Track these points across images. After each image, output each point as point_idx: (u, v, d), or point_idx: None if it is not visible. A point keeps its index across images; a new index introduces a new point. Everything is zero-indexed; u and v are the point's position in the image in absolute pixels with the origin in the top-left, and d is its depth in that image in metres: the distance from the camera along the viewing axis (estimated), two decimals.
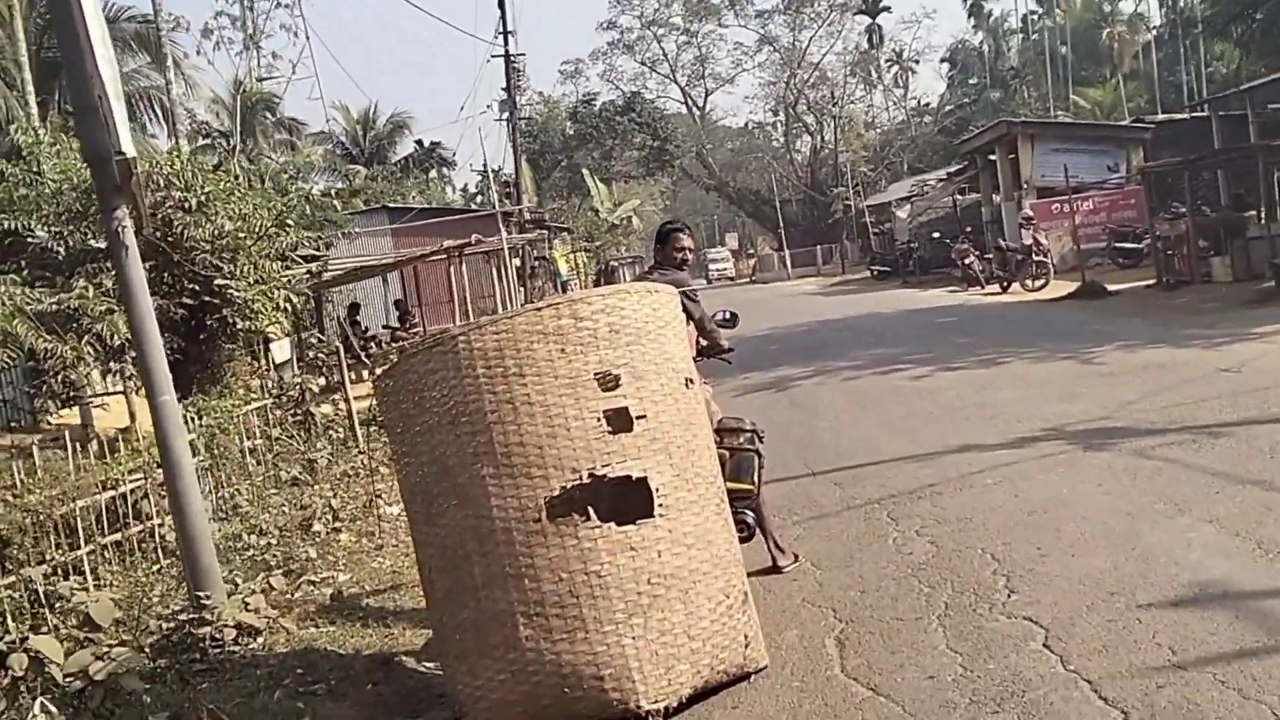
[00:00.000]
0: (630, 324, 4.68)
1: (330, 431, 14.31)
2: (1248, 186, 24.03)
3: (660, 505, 4.50)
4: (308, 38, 52.49)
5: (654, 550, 4.47)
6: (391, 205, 38.33)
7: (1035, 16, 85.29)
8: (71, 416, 14.98)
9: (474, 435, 4.49)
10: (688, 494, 4.64)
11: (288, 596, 6.95)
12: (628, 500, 4.70)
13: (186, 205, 11.10)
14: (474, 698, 4.46)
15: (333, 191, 37.35)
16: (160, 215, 11.13)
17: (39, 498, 7.88)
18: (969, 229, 33.93)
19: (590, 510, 4.41)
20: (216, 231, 11.12)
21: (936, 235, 37.72)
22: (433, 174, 54.95)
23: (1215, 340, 12.28)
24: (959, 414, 9.94)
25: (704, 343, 6.54)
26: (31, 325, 10.30)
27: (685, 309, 5.69)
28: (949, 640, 4.77)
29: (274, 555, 7.92)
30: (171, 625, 5.76)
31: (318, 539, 8.54)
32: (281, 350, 21.45)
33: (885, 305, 26.31)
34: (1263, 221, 20.70)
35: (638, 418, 4.54)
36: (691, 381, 4.89)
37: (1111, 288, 21.01)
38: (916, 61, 77.74)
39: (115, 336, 10.42)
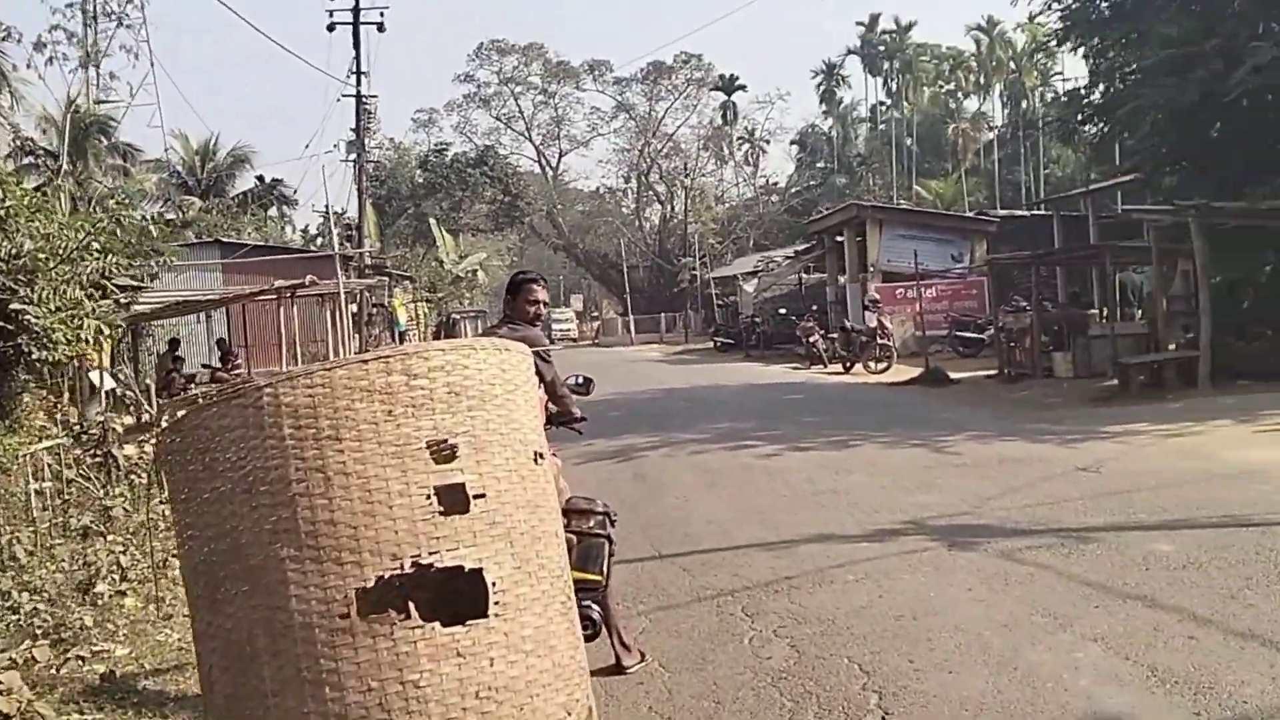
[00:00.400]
0: (473, 385, 3.90)
1: (133, 476, 13.08)
2: (1083, 285, 24.69)
3: (496, 603, 3.69)
4: (151, 63, 50.23)
5: (485, 657, 3.66)
6: (225, 240, 36.80)
7: (884, 107, 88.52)
8: None
9: (274, 508, 3.64)
10: (529, 590, 3.85)
11: (52, 672, 5.93)
12: (457, 595, 3.98)
13: None
14: None
15: (151, 216, 35.64)
16: None
17: None
18: (814, 307, 34.16)
19: (410, 606, 3.61)
20: (14, 250, 9.96)
21: (783, 311, 37.98)
22: (272, 211, 53.16)
23: (1068, 437, 12.14)
24: (813, 499, 9.46)
25: (554, 409, 5.83)
26: None
27: (537, 370, 4.99)
28: None
29: (43, 620, 6.85)
30: None
31: (99, 602, 7.48)
32: (106, 381, 19.97)
33: (730, 377, 26.05)
34: (1104, 320, 21.12)
35: (475, 496, 3.74)
36: (541, 456, 4.17)
37: (954, 375, 21.12)
38: (768, 141, 79.55)
39: None
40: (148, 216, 41.96)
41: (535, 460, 4.08)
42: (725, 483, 10.71)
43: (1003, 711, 4.54)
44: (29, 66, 45.67)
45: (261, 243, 39.24)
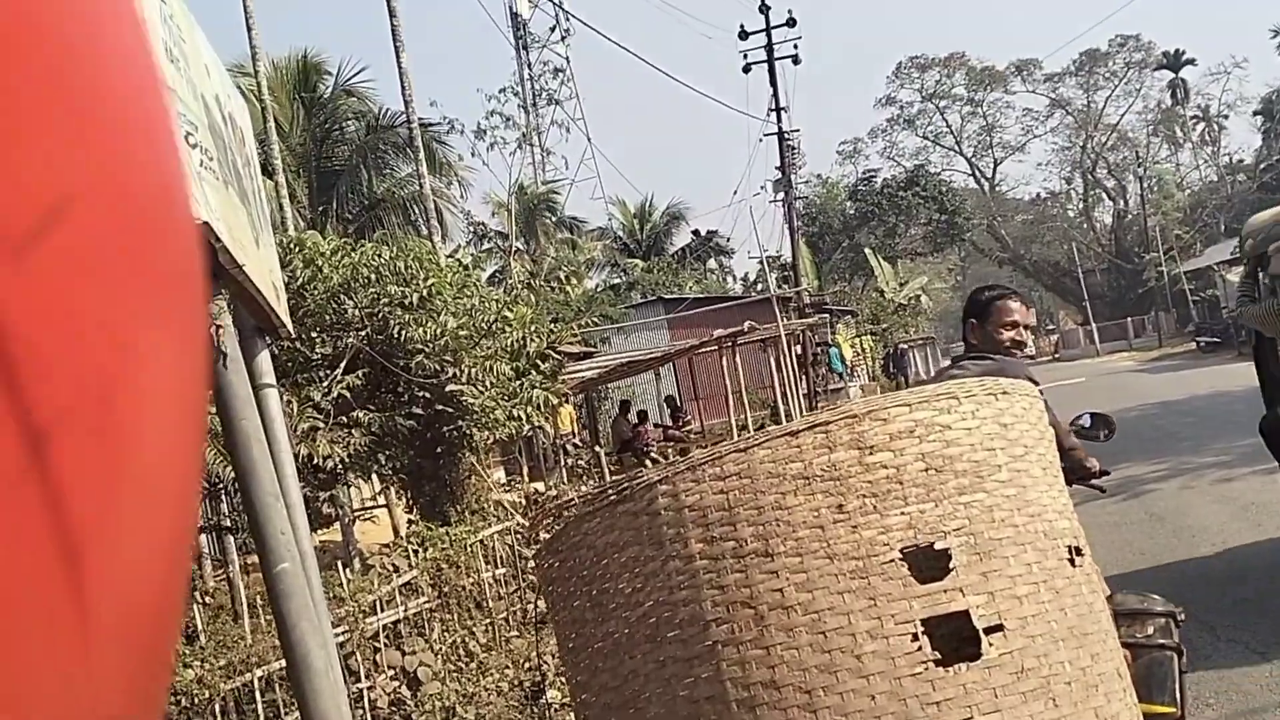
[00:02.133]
0: (962, 455, 2.51)
1: None
2: None
3: None
4: (588, 138, 52.73)
5: None
6: (667, 296, 37.37)
7: None
8: (333, 532, 13.99)
9: (689, 666, 2.45)
10: None
11: None
12: None
13: (407, 302, 9.73)
14: None
15: (563, 276, 36.65)
16: (378, 314, 9.79)
17: (202, 669, 6.42)
18: None
19: None
20: (439, 330, 9.67)
21: None
22: (711, 263, 54.12)
23: None
24: None
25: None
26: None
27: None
28: None
29: None
30: None
31: (546, 715, 6.71)
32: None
33: (1230, 382, 22.64)
34: None
35: (989, 630, 2.36)
36: (1080, 552, 2.69)
37: None
38: (1226, 115, 71.76)
39: (325, 460, 9.05)
40: (597, 284, 43.78)
41: (1072, 560, 2.62)
42: (1276, 520, 8.49)
43: None
44: (473, 155, 49.10)
45: (701, 295, 39.57)
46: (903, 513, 2.45)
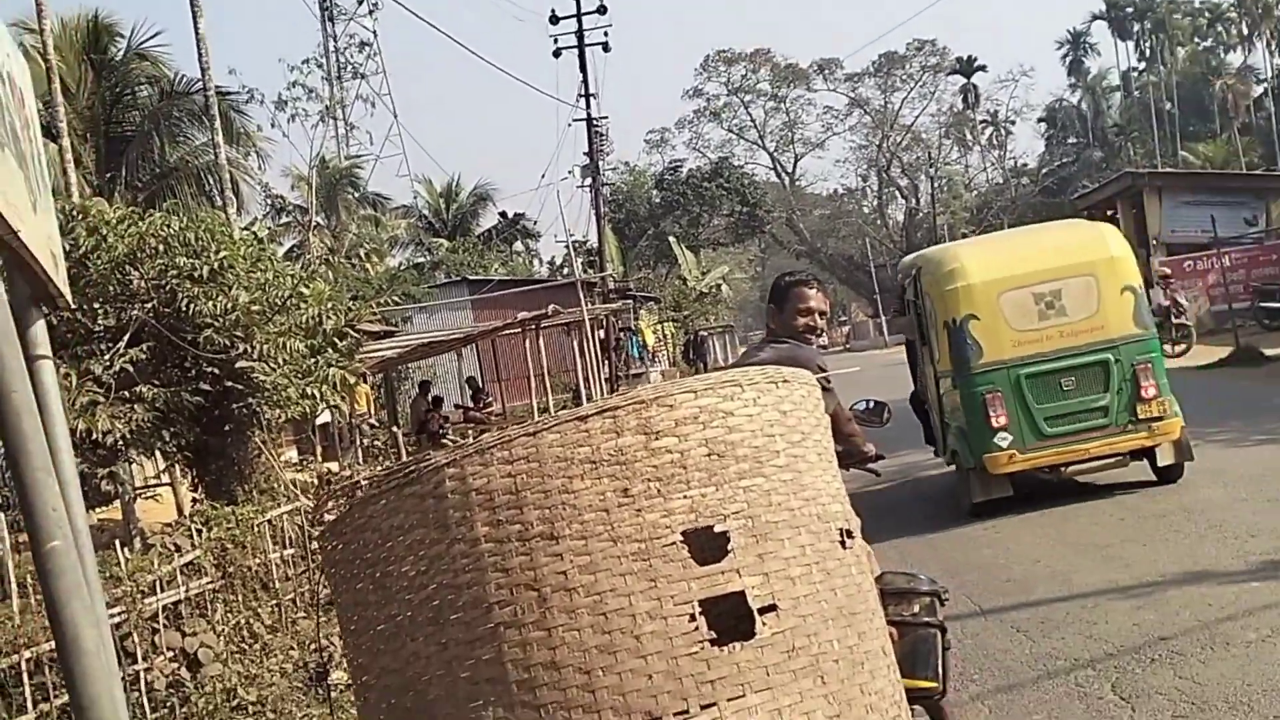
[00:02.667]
0: (743, 441, 2.59)
1: None
2: None
3: None
4: (394, 115, 51.52)
5: None
6: (472, 277, 37.03)
7: (1137, 73, 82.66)
8: (114, 510, 13.34)
9: (470, 648, 2.46)
10: None
11: None
12: None
13: (196, 274, 9.35)
14: None
15: (364, 252, 35.94)
16: (165, 286, 9.39)
17: None
18: None
19: None
20: (229, 305, 9.33)
21: None
22: (517, 245, 53.84)
23: None
24: (1160, 522, 7.70)
25: (838, 448, 4.40)
26: None
27: None
28: None
29: None
30: None
31: (333, 693, 6.56)
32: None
33: None
34: None
35: (763, 610, 2.44)
36: (850, 534, 2.79)
37: (1267, 352, 18.43)
38: (1013, 121, 75.39)
39: (104, 435, 8.63)
40: (400, 262, 42.96)
41: (843, 543, 2.73)
42: (1042, 505, 8.95)
43: None
44: (273, 126, 47.41)
45: (507, 276, 39.36)
46: (685, 496, 2.50)
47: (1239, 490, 8.26)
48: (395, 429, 20.88)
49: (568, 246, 35.15)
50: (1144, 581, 6.35)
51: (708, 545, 2.51)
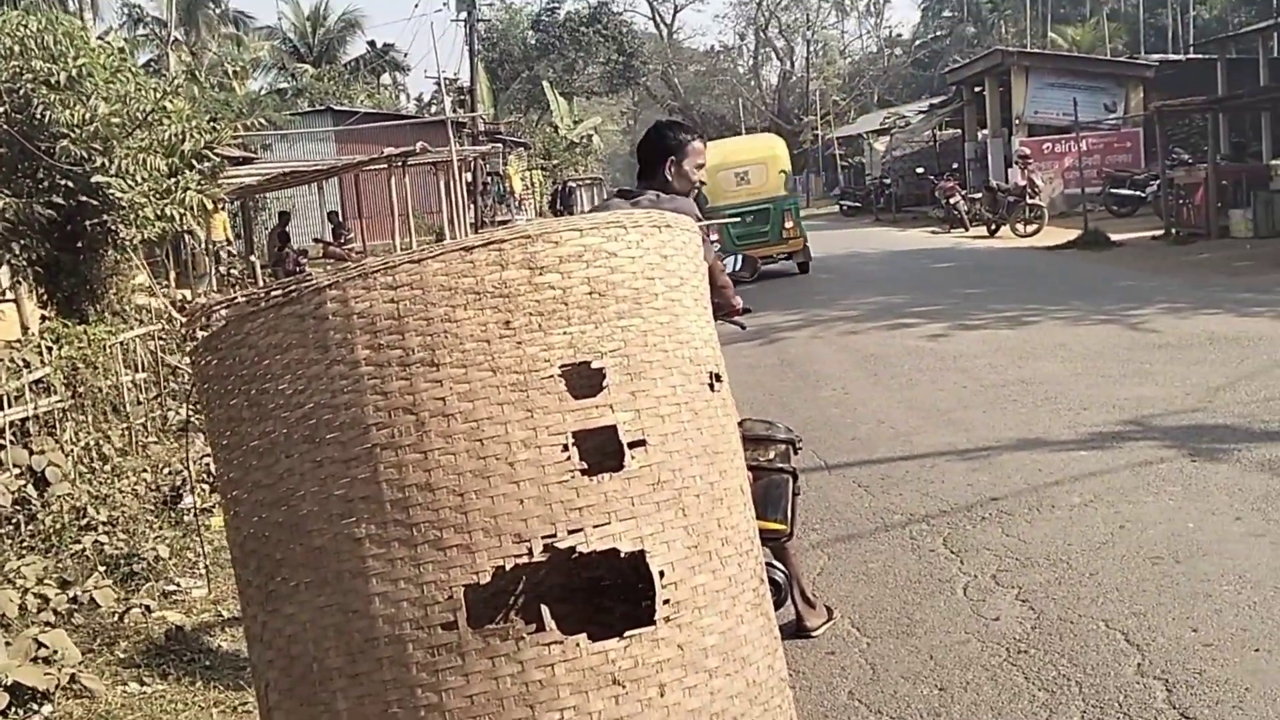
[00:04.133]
0: (624, 282, 2.64)
1: None
2: (1248, 134, 22.29)
3: (667, 601, 2.50)
4: None
5: (654, 683, 2.45)
6: (337, 107, 35.92)
7: None
8: None
9: (346, 466, 2.49)
10: (711, 579, 2.60)
11: (114, 620, 4.98)
12: (607, 595, 2.82)
13: (53, 80, 8.90)
14: None
15: (227, 72, 34.52)
16: (19, 90, 8.93)
17: None
18: (954, 165, 32.03)
19: (544, 611, 2.43)
20: (88, 115, 8.93)
21: (920, 170, 35.73)
22: (385, 78, 52.24)
23: None
24: (1001, 392, 8.09)
25: (711, 299, 4.51)
26: None
27: None
28: None
29: (115, 545, 5.92)
30: None
31: (184, 519, 6.55)
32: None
33: (866, 244, 24.48)
34: None
35: (632, 445, 2.52)
36: (719, 378, 2.90)
37: (1113, 236, 19.21)
38: None
39: None
40: (261, 86, 41.26)
41: (712, 385, 2.82)
42: (890, 371, 9.37)
43: None
44: None
45: (374, 110, 38.25)
46: (565, 332, 2.56)
47: (1076, 365, 8.70)
48: (252, 258, 20.38)
49: (439, 82, 34.25)
50: (980, 446, 6.71)
51: (584, 381, 2.58)
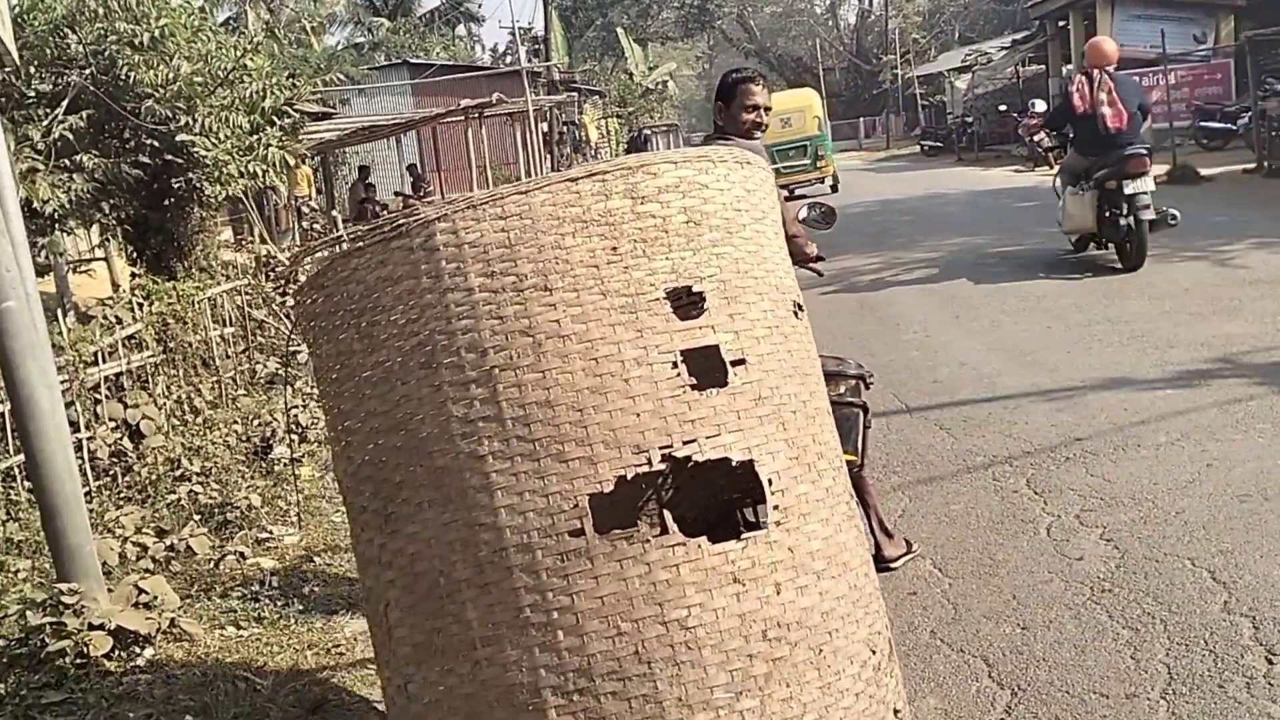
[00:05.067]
0: (716, 212, 2.82)
1: None
2: None
3: (776, 507, 2.68)
4: None
5: (770, 583, 2.63)
6: (413, 60, 36.14)
7: None
8: (46, 283, 13.27)
9: (466, 388, 2.67)
10: (812, 488, 2.79)
11: (210, 567, 5.20)
12: (712, 503, 2.96)
13: (136, 41, 9.17)
14: None
15: (306, 27, 34.75)
16: (104, 52, 9.22)
17: None
18: (1036, 102, 31.46)
19: (666, 516, 2.62)
20: (170, 75, 9.20)
21: (1003, 108, 35.10)
22: (460, 30, 52.42)
23: None
24: (1086, 331, 8.08)
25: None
26: None
27: None
28: None
29: (209, 495, 6.12)
30: (23, 629, 4.05)
31: (274, 469, 6.78)
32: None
33: (948, 184, 24.17)
34: None
35: (734, 363, 2.71)
36: (802, 309, 3.03)
37: (1202, 171, 18.81)
38: None
39: (44, 204, 8.59)
40: (339, 41, 41.54)
41: (796, 313, 2.97)
42: (973, 313, 9.37)
43: None
44: None
45: (449, 62, 38.46)
46: (667, 258, 2.73)
47: (1164, 304, 8.65)
48: (334, 213, 20.75)
49: (513, 33, 34.29)
50: (1064, 386, 6.73)
51: (686, 304, 2.75)
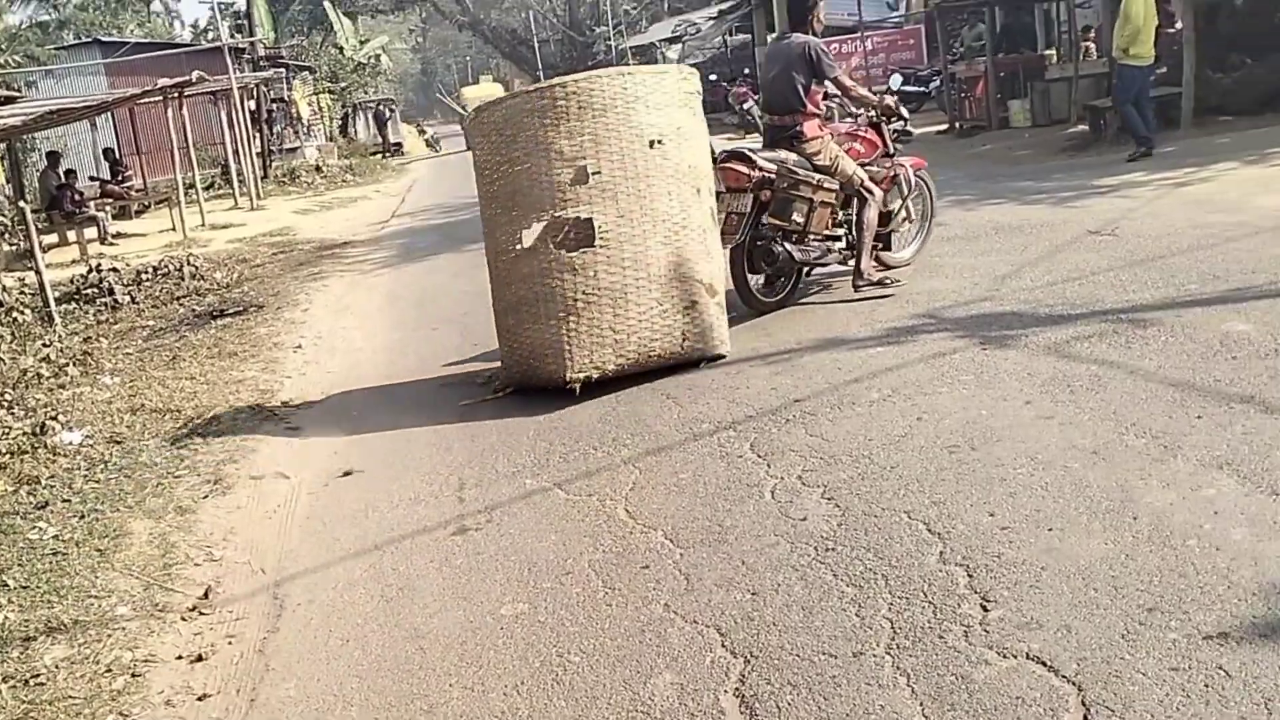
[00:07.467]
0: (597, 101, 6.07)
1: (15, 313, 11.54)
2: (1018, 27, 22.95)
3: (601, 238, 6.06)
4: None
5: (591, 269, 6.08)
6: (105, 39, 33.85)
7: None
8: None
9: (492, 183, 6.41)
10: (630, 229, 6.10)
11: None
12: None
13: None
14: (501, 360, 6.84)
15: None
16: None
17: None
18: (745, 71, 32.22)
19: (550, 242, 6.12)
20: None
21: (714, 78, 35.80)
22: (155, 5, 49.45)
23: (1061, 195, 11.17)
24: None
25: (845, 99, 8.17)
26: None
27: (820, 68, 7.52)
28: (924, 706, 2.99)
29: None
30: None
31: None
32: None
33: None
34: (1057, 62, 19.65)
35: (593, 173, 6.04)
36: (659, 142, 6.14)
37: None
38: None
39: None
40: (21, 20, 38.59)
41: (651, 145, 6.13)
42: None
43: (1146, 588, 3.40)
44: None
45: (145, 39, 36.19)
46: (566, 125, 6.06)
47: None
48: (22, 204, 19.08)
49: (213, 8, 32.51)
50: (782, 350, 6.84)
51: (573, 144, 6.18)
